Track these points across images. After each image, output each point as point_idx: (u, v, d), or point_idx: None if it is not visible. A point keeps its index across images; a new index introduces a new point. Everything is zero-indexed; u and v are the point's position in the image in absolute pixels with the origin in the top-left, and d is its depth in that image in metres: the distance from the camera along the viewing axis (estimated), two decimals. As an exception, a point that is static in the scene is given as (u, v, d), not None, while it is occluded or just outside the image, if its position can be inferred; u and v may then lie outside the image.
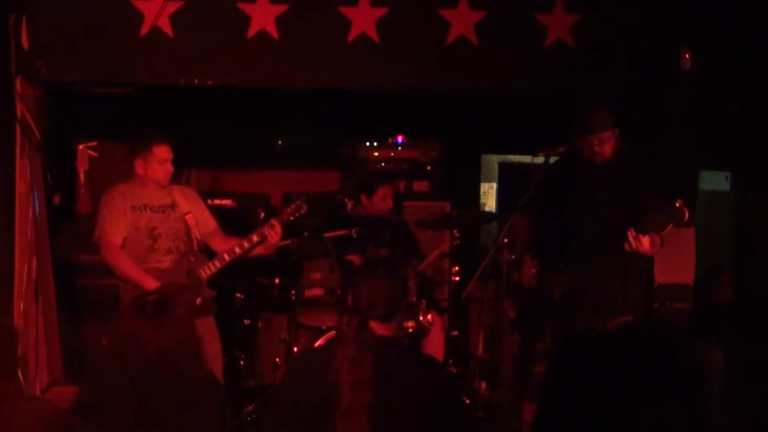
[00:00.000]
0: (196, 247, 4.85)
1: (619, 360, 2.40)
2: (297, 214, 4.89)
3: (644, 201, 4.43)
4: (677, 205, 4.15)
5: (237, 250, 4.77)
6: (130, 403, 2.46)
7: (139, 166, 4.76)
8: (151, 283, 4.53)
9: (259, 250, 4.85)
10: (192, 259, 4.77)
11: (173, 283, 4.58)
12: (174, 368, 2.52)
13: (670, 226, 4.19)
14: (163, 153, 4.75)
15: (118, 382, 2.48)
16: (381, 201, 5.80)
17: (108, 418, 2.46)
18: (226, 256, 4.77)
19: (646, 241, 4.21)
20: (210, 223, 4.94)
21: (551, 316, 4.41)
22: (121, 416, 2.46)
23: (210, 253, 4.89)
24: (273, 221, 4.82)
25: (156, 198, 4.80)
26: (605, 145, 4.46)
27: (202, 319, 4.69)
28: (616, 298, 4.39)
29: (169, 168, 4.78)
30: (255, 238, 4.79)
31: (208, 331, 4.71)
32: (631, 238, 4.20)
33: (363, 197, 5.83)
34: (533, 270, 4.62)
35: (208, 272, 4.75)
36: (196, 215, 4.89)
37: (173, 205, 4.83)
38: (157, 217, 4.77)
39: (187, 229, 4.83)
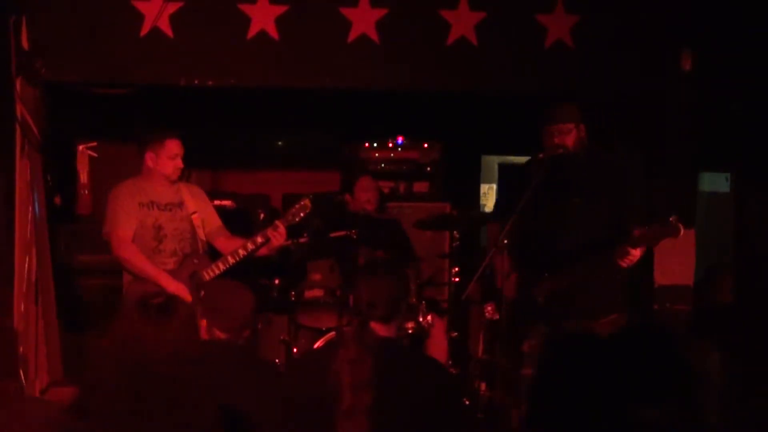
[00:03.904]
0: (201, 249, 4.85)
1: (616, 361, 2.40)
2: (303, 213, 4.88)
3: (629, 204, 4.44)
4: (671, 220, 4.16)
5: (241, 252, 4.77)
6: (126, 404, 2.46)
7: (149, 159, 4.77)
8: (169, 282, 4.54)
9: (262, 251, 4.85)
10: (196, 261, 4.77)
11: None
12: (173, 372, 2.51)
13: (663, 240, 4.24)
14: (174, 147, 4.77)
15: (116, 382, 2.48)
16: (362, 192, 5.76)
17: (104, 418, 2.45)
18: (230, 259, 4.77)
19: (637, 252, 4.24)
20: (215, 221, 4.94)
21: (537, 320, 4.39)
22: (117, 417, 2.45)
23: (213, 252, 4.89)
24: (277, 222, 4.82)
25: (164, 195, 4.80)
26: (566, 136, 4.46)
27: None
28: (601, 299, 4.41)
29: (179, 164, 4.80)
30: (259, 239, 4.79)
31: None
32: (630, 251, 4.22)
33: (348, 197, 5.83)
34: (512, 276, 4.56)
35: (211, 274, 4.74)
36: (202, 215, 4.89)
37: (180, 204, 4.83)
38: (164, 216, 4.77)
39: (193, 230, 4.83)
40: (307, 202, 4.87)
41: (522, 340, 4.40)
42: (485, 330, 5.97)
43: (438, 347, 5.38)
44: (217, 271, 4.75)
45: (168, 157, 4.75)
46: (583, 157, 4.46)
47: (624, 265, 4.26)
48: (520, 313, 4.44)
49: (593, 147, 4.52)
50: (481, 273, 4.58)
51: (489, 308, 4.58)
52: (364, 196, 5.77)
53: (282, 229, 4.78)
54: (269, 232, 4.78)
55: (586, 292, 4.36)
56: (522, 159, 4.97)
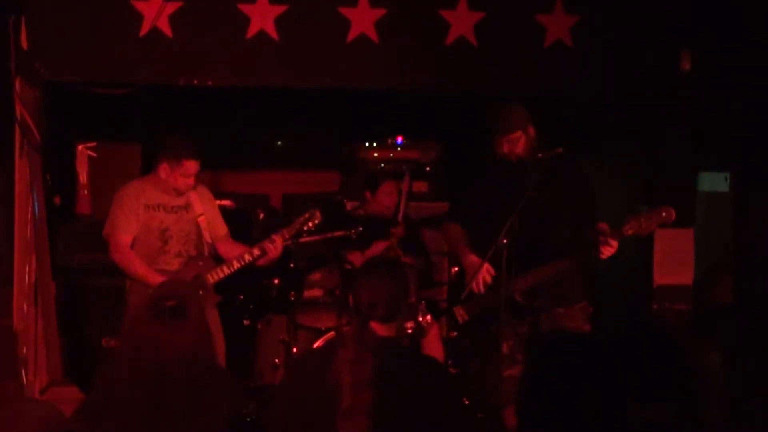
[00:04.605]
0: (206, 252, 4.85)
1: (616, 361, 2.40)
2: (311, 223, 4.88)
3: (588, 196, 4.47)
4: (656, 207, 4.19)
5: (247, 257, 4.78)
6: (140, 407, 2.44)
7: (163, 170, 4.77)
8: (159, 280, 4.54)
9: (261, 261, 4.87)
10: (201, 264, 4.77)
11: (182, 279, 4.58)
12: (188, 374, 2.49)
13: (654, 228, 4.25)
14: (191, 168, 4.77)
15: (130, 385, 2.46)
16: (386, 197, 5.73)
17: (117, 421, 2.44)
18: (235, 263, 4.78)
19: (616, 244, 4.26)
20: (221, 228, 4.95)
21: (513, 319, 4.37)
22: (131, 420, 2.43)
23: (215, 258, 4.89)
24: (274, 237, 4.82)
25: (171, 198, 4.80)
26: (515, 145, 4.46)
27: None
28: (571, 288, 4.45)
29: (191, 182, 4.80)
30: (256, 252, 4.81)
31: (212, 328, 4.71)
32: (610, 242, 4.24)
33: (368, 194, 5.80)
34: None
35: (215, 277, 4.75)
36: (209, 217, 4.89)
37: (187, 206, 4.83)
38: (170, 218, 4.77)
39: (199, 232, 4.83)
40: (316, 212, 4.88)
41: (495, 340, 4.36)
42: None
43: (434, 347, 5.37)
44: (221, 274, 4.76)
45: (182, 174, 4.75)
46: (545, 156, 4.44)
47: (604, 257, 4.28)
48: (491, 312, 4.38)
49: (544, 145, 4.49)
50: (453, 275, 4.54)
51: (460, 311, 4.54)
52: (388, 200, 5.75)
53: (279, 243, 4.80)
54: (266, 245, 4.80)
55: (557, 282, 4.38)
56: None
